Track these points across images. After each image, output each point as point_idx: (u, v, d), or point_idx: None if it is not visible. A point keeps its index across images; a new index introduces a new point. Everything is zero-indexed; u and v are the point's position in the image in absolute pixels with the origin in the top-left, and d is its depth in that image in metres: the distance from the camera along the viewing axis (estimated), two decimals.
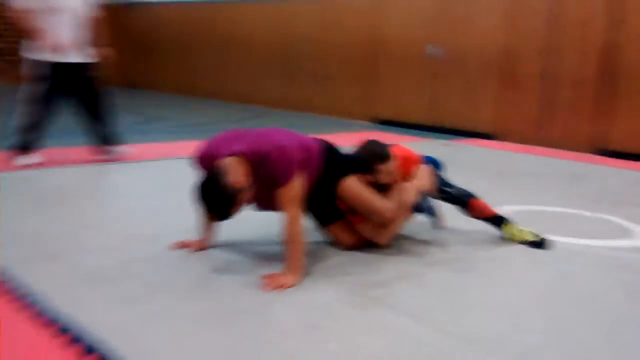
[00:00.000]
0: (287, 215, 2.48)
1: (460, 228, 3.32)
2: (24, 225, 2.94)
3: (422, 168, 3.01)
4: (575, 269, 2.84)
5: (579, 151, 7.15)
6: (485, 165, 5.93)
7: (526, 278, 2.70)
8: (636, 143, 6.86)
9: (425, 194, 2.97)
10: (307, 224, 2.73)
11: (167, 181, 4.32)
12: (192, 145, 2.73)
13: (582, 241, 3.28)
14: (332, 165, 2.78)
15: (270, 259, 2.67)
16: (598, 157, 6.90)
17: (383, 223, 2.83)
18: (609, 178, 5.61)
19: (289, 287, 2.36)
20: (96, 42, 4.79)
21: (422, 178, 2.96)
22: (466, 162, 5.97)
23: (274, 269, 2.52)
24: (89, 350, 1.74)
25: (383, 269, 2.67)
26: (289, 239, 2.47)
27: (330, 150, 2.84)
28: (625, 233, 3.53)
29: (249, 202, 2.55)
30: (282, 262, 2.49)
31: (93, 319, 1.95)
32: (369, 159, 2.79)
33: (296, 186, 2.49)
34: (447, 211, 3.23)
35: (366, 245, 2.92)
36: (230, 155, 2.42)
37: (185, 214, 2.94)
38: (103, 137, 4.78)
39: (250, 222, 3.00)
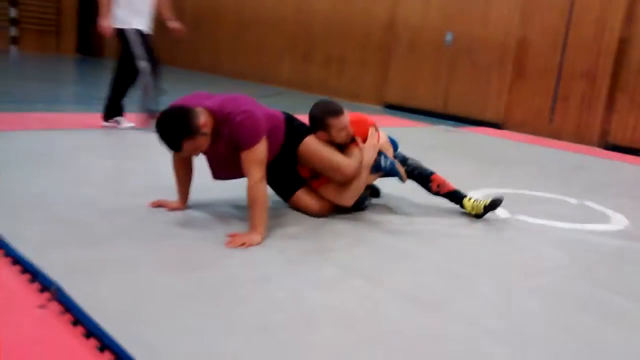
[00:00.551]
0: (251, 177, 2.54)
1: (424, 202, 3.39)
2: (23, 183, 3.05)
3: (377, 130, 3.08)
4: (534, 246, 2.89)
5: (589, 145, 7.12)
6: (483, 151, 5.94)
7: (482, 251, 2.74)
8: None
9: (383, 153, 3.05)
10: (270, 191, 2.83)
11: None
12: None
13: (553, 223, 3.32)
14: (292, 135, 2.87)
15: (237, 219, 2.77)
16: (606, 151, 6.86)
17: (345, 181, 2.89)
18: (609, 171, 5.60)
19: (251, 245, 2.44)
20: (166, 15, 5.02)
21: (378, 138, 3.04)
22: (463, 148, 6.00)
23: (239, 228, 2.61)
24: (44, 286, 1.86)
25: (343, 234, 2.75)
26: (253, 200, 2.53)
27: (290, 120, 2.92)
28: (603, 219, 3.55)
29: (203, 151, 2.62)
30: (247, 222, 2.58)
31: (55, 258, 2.07)
32: (321, 115, 2.88)
33: (261, 150, 2.56)
34: (410, 188, 3.30)
35: (334, 211, 3.00)
36: (199, 106, 2.53)
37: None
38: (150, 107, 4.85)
39: (224, 188, 3.09)
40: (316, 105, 2.95)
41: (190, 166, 2.84)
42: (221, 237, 2.49)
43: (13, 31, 12.19)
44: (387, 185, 3.46)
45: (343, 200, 2.94)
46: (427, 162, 4.80)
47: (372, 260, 2.47)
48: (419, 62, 8.91)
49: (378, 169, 3.03)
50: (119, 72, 4.84)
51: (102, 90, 5.19)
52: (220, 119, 2.54)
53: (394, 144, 3.25)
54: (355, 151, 2.93)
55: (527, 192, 4.10)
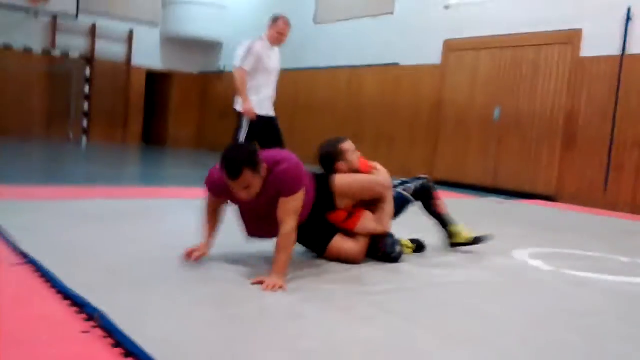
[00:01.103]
0: (285, 225, 2.62)
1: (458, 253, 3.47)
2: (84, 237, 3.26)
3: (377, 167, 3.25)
4: (577, 293, 2.83)
5: None
6: (533, 218, 5.86)
7: (522, 297, 2.70)
8: None
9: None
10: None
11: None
12: None
13: (600, 276, 3.25)
14: (320, 189, 2.98)
15: (260, 261, 2.85)
16: None
17: (386, 193, 3.10)
18: None
19: (281, 288, 2.47)
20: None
21: (381, 172, 3.21)
22: (513, 216, 5.94)
23: (260, 270, 2.70)
24: (89, 314, 1.99)
25: (380, 281, 2.78)
26: (284, 246, 2.59)
27: (316, 177, 3.04)
28: None
29: (245, 203, 2.71)
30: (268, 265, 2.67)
31: (101, 294, 2.20)
32: (333, 147, 3.13)
33: (299, 199, 2.67)
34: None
35: (371, 254, 3.11)
36: None
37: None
38: None
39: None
40: (321, 146, 3.20)
41: (222, 214, 2.93)
42: (247, 278, 2.58)
43: (85, 123, 13.11)
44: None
45: (383, 226, 3.06)
46: (472, 226, 4.83)
47: (408, 303, 2.48)
48: (467, 138, 9.02)
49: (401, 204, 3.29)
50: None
51: (162, 169, 5.48)
52: (269, 167, 2.66)
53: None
54: (374, 171, 3.17)
55: (576, 251, 4.03)
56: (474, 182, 8.82)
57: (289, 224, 2.64)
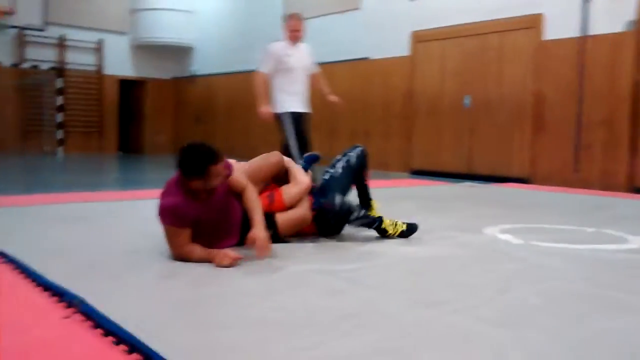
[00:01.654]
0: (247, 189, 2.90)
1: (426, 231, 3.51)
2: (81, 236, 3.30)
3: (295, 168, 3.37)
4: (544, 261, 2.94)
5: (617, 191, 7.11)
6: (505, 200, 5.99)
7: (489, 266, 2.79)
8: None
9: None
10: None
11: None
12: None
13: (566, 245, 3.37)
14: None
15: None
16: (633, 194, 6.84)
17: (281, 164, 3.28)
18: (633, 208, 5.58)
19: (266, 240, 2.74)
20: (323, 90, 5.52)
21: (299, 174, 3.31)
22: (485, 198, 6.07)
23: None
24: (69, 302, 2.05)
25: (352, 259, 2.87)
26: (255, 204, 2.87)
27: None
28: (620, 241, 3.58)
29: (211, 196, 2.77)
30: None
31: (79, 284, 2.26)
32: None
33: (242, 170, 3.01)
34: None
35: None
36: None
37: None
38: None
39: None
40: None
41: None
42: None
43: (59, 134, 13.04)
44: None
45: (302, 182, 3.24)
46: (446, 209, 4.94)
47: (380, 277, 2.58)
48: (441, 127, 9.17)
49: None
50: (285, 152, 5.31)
51: (139, 174, 5.51)
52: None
53: (316, 158, 3.74)
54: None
55: (545, 225, 4.16)
56: (450, 169, 8.98)
57: (249, 187, 2.92)
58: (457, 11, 8.84)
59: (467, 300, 2.21)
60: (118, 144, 14.52)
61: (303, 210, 3.17)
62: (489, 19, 8.45)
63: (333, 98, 5.38)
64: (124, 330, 1.78)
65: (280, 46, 5.26)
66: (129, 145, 15.04)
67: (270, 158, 3.26)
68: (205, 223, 2.82)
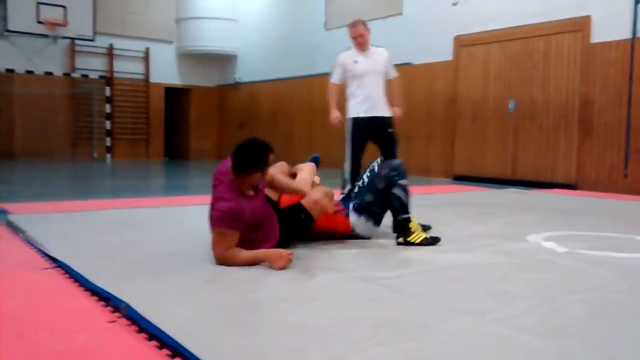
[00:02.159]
0: (272, 177, 3.13)
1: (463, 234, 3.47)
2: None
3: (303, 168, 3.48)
4: (589, 270, 2.88)
5: None
6: (551, 206, 5.86)
7: (533, 275, 2.75)
8: None
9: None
10: None
11: None
12: None
13: (613, 254, 3.29)
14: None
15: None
16: None
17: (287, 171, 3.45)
18: None
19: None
20: (393, 100, 5.48)
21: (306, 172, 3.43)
22: (530, 204, 5.95)
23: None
24: (115, 307, 2.12)
25: (391, 267, 2.87)
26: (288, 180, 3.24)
27: None
28: None
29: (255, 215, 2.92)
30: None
31: (125, 286, 2.33)
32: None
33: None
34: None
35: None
36: None
37: None
38: None
39: None
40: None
41: None
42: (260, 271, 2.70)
43: (108, 141, 13.43)
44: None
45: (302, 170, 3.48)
46: (488, 216, 4.87)
47: (419, 284, 2.57)
48: (484, 132, 9.05)
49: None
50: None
51: (185, 180, 5.63)
52: None
53: (317, 160, 3.74)
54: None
55: (591, 233, 4.06)
56: (493, 175, 8.85)
57: (277, 175, 3.21)
58: (501, 15, 8.73)
59: (507, 310, 2.19)
60: (164, 150, 14.84)
61: (320, 191, 3.31)
62: (534, 22, 8.30)
63: (395, 111, 5.39)
64: (167, 335, 1.83)
65: (348, 54, 5.36)
66: (174, 151, 15.36)
67: (279, 167, 3.37)
68: (254, 225, 2.91)
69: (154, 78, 14.38)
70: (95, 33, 13.13)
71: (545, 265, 2.98)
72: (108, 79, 13.48)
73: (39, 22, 12.25)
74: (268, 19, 13.69)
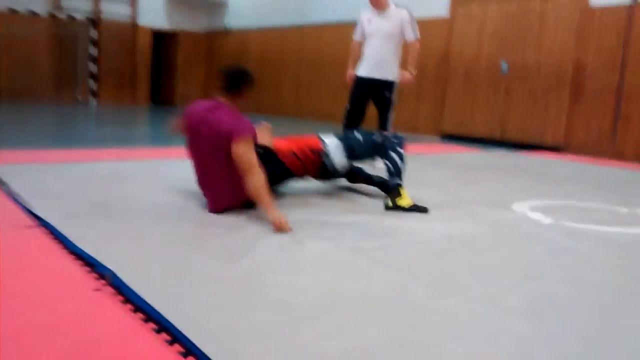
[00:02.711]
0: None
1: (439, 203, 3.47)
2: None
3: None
4: (573, 244, 2.91)
5: None
6: (536, 170, 5.89)
7: (515, 248, 2.77)
8: None
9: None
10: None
11: None
12: None
13: (598, 227, 3.32)
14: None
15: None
16: None
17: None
18: None
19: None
20: (408, 64, 5.40)
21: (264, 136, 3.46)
22: (516, 168, 5.98)
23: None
24: (101, 274, 2.10)
25: (379, 235, 2.88)
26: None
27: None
28: None
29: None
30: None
31: (110, 251, 2.32)
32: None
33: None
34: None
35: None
36: None
37: None
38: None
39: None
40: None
41: None
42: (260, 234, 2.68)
43: (92, 85, 13.17)
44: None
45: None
46: (476, 181, 4.89)
47: (406, 255, 2.58)
48: (475, 92, 8.99)
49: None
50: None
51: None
52: None
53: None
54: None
55: (577, 203, 4.09)
56: (482, 135, 8.84)
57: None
58: None
59: (492, 288, 2.20)
60: (150, 95, 14.61)
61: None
62: None
63: (404, 75, 5.32)
64: (154, 309, 1.81)
65: (365, 13, 5.30)
66: (160, 97, 15.12)
67: (264, 129, 3.52)
68: None
69: (142, 21, 14.01)
70: None
71: (530, 239, 3.00)
72: (94, 21, 13.11)
73: None
74: None
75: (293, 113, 12.14)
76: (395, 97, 5.39)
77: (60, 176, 4.00)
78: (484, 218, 3.41)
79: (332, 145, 3.56)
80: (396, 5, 5.25)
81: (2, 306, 1.82)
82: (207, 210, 3.14)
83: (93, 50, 13.08)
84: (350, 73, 5.47)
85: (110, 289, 2.00)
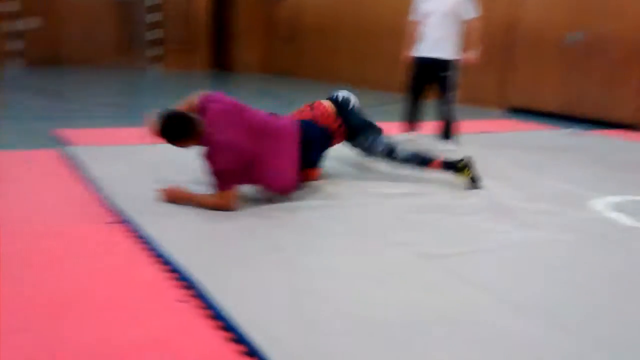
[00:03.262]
0: None
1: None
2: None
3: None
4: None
5: None
6: (608, 155, 5.56)
7: (597, 260, 2.68)
8: None
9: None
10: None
11: None
12: None
13: None
14: None
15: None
16: None
17: None
18: None
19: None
20: (469, 45, 5.36)
21: None
22: (587, 151, 5.67)
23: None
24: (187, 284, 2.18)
25: (453, 242, 2.85)
26: None
27: None
28: None
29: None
30: None
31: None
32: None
33: None
34: None
35: None
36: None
37: None
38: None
39: None
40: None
41: None
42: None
43: (155, 51, 13.40)
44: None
45: None
46: (545, 167, 4.69)
47: (482, 269, 2.54)
48: (545, 63, 8.62)
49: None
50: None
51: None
52: None
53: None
54: None
55: None
56: (553, 109, 8.50)
57: None
58: None
59: (576, 314, 2.13)
60: (212, 61, 14.73)
61: None
62: None
63: (466, 55, 5.21)
64: (244, 335, 1.84)
65: None
66: (223, 62, 15.22)
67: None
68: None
69: None
70: None
71: (614, 248, 2.85)
72: None
73: None
74: None
75: (350, 81, 11.99)
76: (455, 76, 5.27)
77: (137, 160, 4.10)
78: (558, 220, 3.21)
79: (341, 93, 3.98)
80: None
81: (95, 318, 1.91)
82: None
83: (156, 16, 13.24)
84: (407, 54, 5.36)
85: (194, 301, 2.06)
